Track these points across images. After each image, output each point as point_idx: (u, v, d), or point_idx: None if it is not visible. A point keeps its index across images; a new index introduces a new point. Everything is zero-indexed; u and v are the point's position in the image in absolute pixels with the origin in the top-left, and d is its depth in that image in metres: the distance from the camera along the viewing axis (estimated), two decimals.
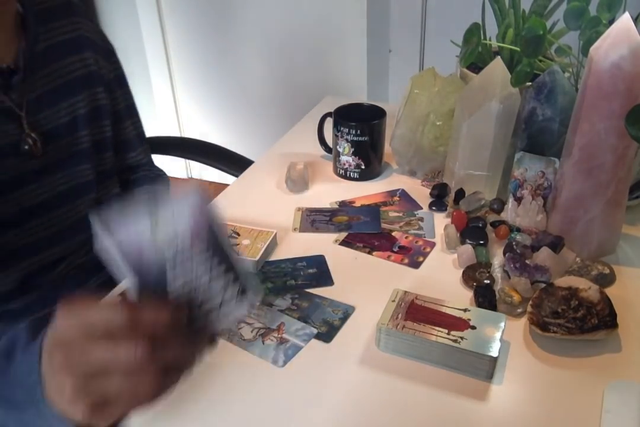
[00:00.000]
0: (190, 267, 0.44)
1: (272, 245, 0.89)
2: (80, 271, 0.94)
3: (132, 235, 0.42)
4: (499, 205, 0.94)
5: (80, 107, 0.90)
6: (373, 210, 0.98)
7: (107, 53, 0.98)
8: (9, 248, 0.83)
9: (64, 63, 0.88)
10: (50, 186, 0.86)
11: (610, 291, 0.76)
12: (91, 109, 0.92)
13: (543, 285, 0.77)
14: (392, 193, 1.03)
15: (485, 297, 0.77)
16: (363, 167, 1.06)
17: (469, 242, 0.87)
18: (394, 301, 0.73)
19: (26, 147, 0.81)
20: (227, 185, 1.08)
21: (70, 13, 0.91)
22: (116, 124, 0.99)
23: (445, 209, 0.98)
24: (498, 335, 0.68)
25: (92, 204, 0.94)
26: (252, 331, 0.75)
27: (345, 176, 1.08)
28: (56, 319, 0.44)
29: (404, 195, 1.03)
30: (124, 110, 1.02)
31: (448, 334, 0.68)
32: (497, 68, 0.90)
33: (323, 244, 0.91)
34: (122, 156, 1.03)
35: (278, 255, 0.89)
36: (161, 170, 1.14)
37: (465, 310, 0.72)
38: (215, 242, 0.45)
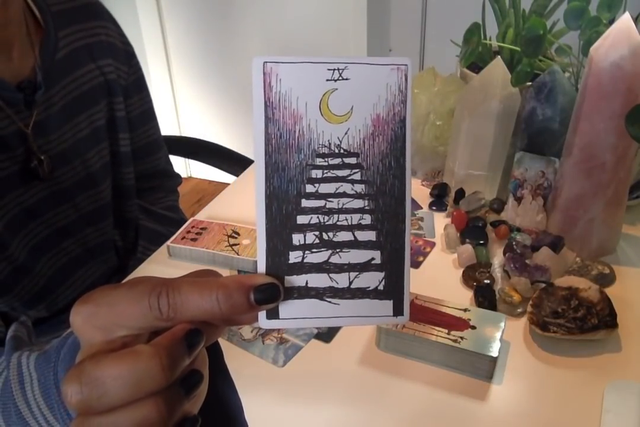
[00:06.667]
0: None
1: None
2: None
3: None
4: (499, 205, 0.94)
5: (97, 119, 0.84)
6: None
7: (128, 56, 0.90)
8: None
9: (80, 72, 0.81)
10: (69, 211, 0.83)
11: (610, 291, 0.76)
12: (108, 119, 0.86)
13: (543, 285, 0.77)
14: None
15: (485, 297, 0.77)
16: None
17: (469, 242, 0.87)
18: None
19: (33, 166, 0.74)
20: (227, 184, 1.08)
21: (91, 16, 0.83)
22: (131, 132, 0.93)
23: (445, 209, 0.98)
24: (498, 335, 0.68)
25: (111, 227, 0.91)
26: (252, 331, 0.75)
27: None
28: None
29: None
30: (138, 117, 0.94)
31: (448, 334, 0.68)
32: (497, 68, 0.90)
33: None
34: (138, 162, 0.97)
35: None
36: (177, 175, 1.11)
37: (465, 310, 0.71)
38: None
